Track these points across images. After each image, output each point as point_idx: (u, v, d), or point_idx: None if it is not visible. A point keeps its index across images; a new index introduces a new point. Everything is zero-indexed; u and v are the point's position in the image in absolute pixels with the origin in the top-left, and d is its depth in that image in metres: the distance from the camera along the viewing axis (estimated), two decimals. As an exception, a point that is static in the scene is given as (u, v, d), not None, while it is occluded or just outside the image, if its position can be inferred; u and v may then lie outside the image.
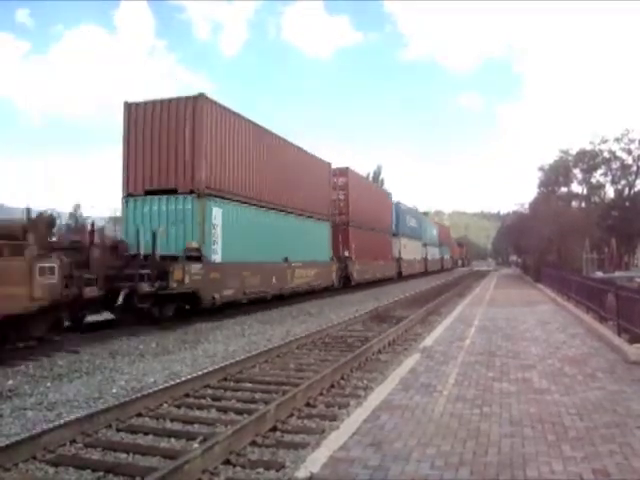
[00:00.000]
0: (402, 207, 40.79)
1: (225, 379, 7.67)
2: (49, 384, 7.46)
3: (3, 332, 9.30)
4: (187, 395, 6.78)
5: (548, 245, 37.79)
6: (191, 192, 13.80)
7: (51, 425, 5.24)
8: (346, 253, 26.01)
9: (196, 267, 13.31)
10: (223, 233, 14.71)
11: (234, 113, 15.96)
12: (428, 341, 9.58)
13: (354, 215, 27.17)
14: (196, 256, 13.60)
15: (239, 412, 6.08)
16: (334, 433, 4.75)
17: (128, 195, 14.42)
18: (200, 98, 14.20)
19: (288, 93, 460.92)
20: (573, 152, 42.24)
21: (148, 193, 14.20)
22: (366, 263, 28.79)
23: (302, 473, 3.81)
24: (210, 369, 7.83)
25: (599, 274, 26.90)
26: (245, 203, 16.17)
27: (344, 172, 27.21)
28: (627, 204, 39.28)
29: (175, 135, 14.11)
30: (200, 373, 7.54)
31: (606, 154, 40.39)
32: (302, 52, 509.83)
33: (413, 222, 44.64)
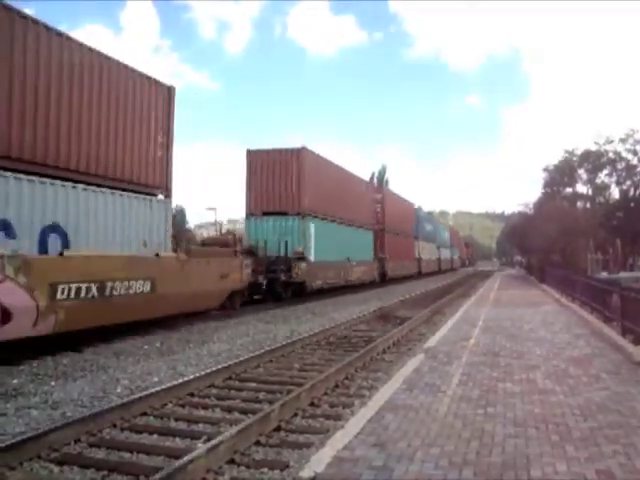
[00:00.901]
0: (421, 214, 46.43)
1: (229, 378, 7.68)
2: (53, 383, 7.46)
3: (224, 301, 14.69)
4: (191, 394, 6.79)
5: (552, 245, 37.72)
6: (297, 214, 20.30)
7: (56, 424, 5.25)
8: (382, 254, 31.24)
9: (304, 265, 19.67)
10: (315, 241, 20.81)
11: (320, 156, 22.45)
12: (432, 341, 9.56)
13: (388, 223, 32.71)
14: (301, 257, 19.70)
15: (243, 412, 6.09)
16: (338, 433, 4.74)
17: (250, 214, 20.63)
18: (303, 150, 20.89)
19: (291, 92, 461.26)
20: (578, 152, 42.15)
21: (265, 214, 20.49)
22: (396, 262, 34.18)
23: (306, 473, 3.81)
24: (214, 369, 7.84)
25: (604, 275, 26.84)
26: (325, 219, 22.40)
27: (380, 190, 35.40)
28: (632, 205, 39.15)
29: (285, 174, 20.60)
30: (204, 372, 7.56)
31: (611, 155, 40.30)
32: (307, 51, 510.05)
33: (429, 227, 49.62)
